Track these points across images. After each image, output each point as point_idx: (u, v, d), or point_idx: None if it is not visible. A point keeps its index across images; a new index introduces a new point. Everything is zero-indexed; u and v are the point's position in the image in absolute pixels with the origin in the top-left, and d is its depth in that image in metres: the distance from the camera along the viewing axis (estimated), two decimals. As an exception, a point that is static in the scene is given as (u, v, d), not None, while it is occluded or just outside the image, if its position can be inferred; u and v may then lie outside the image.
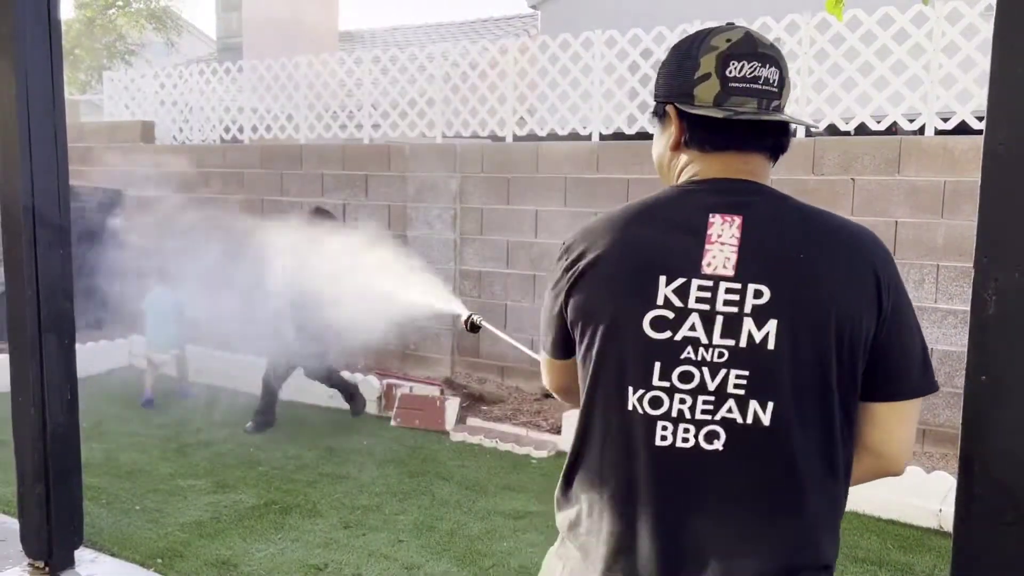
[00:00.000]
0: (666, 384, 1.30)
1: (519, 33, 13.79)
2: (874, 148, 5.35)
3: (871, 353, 1.30)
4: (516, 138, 6.97)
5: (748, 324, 1.27)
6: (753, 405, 1.27)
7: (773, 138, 1.40)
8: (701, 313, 1.29)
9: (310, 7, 13.27)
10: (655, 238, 1.33)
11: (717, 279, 1.29)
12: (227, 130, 8.72)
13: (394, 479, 4.81)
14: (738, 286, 1.28)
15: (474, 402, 6.32)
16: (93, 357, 7.11)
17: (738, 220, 1.31)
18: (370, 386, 6.24)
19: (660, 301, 1.30)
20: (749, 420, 1.28)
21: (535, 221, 6.57)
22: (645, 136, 6.44)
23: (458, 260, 6.98)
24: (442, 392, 6.16)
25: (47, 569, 3.56)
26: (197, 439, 5.52)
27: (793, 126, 1.44)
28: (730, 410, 1.28)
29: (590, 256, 1.35)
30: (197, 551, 3.83)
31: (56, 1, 3.40)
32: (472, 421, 5.88)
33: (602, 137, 6.51)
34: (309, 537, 4.02)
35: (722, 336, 1.28)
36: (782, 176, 5.58)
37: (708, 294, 1.29)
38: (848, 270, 1.29)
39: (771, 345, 1.27)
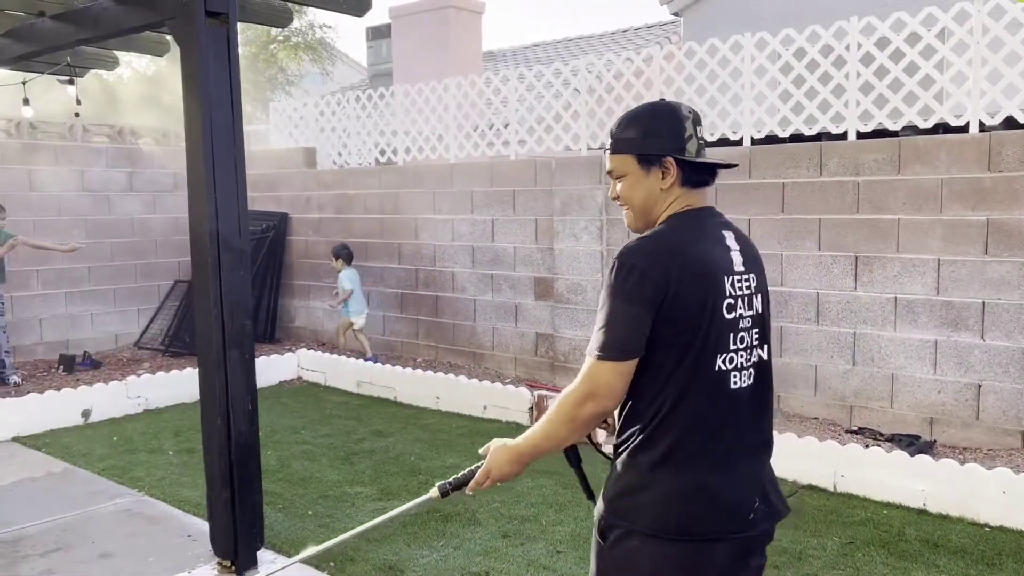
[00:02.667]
0: (735, 347, 1.91)
1: (660, 41, 13.65)
2: (1060, 140, 4.92)
3: None
4: (663, 147, 6.89)
5: (754, 299, 1.98)
6: (761, 350, 1.98)
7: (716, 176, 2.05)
8: (740, 297, 1.93)
9: (455, 31, 13.69)
10: (711, 251, 1.92)
11: (740, 273, 1.95)
12: (382, 153, 9.12)
13: (549, 490, 4.85)
14: (747, 276, 1.96)
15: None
16: (266, 370, 7.59)
17: (732, 234, 2.00)
18: (521, 397, 6.34)
19: (727, 292, 1.90)
20: (761, 359, 1.98)
21: (685, 230, 6.46)
22: (800, 139, 6.22)
23: (605, 272, 6.97)
24: (593, 404, 6.15)
25: (233, 568, 3.83)
26: (361, 448, 5.79)
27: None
28: (756, 356, 1.96)
29: (685, 269, 1.84)
30: (366, 556, 4.00)
31: (235, 43, 3.69)
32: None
33: (754, 142, 6.34)
34: (470, 545, 4.13)
35: (747, 309, 1.94)
36: (953, 175, 5.25)
37: (739, 283, 1.93)
38: (761, 262, 2.07)
39: (760, 310, 2.00)
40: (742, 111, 6.36)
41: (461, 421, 6.42)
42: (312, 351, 8.27)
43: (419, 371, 7.20)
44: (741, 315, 1.92)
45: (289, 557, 4.01)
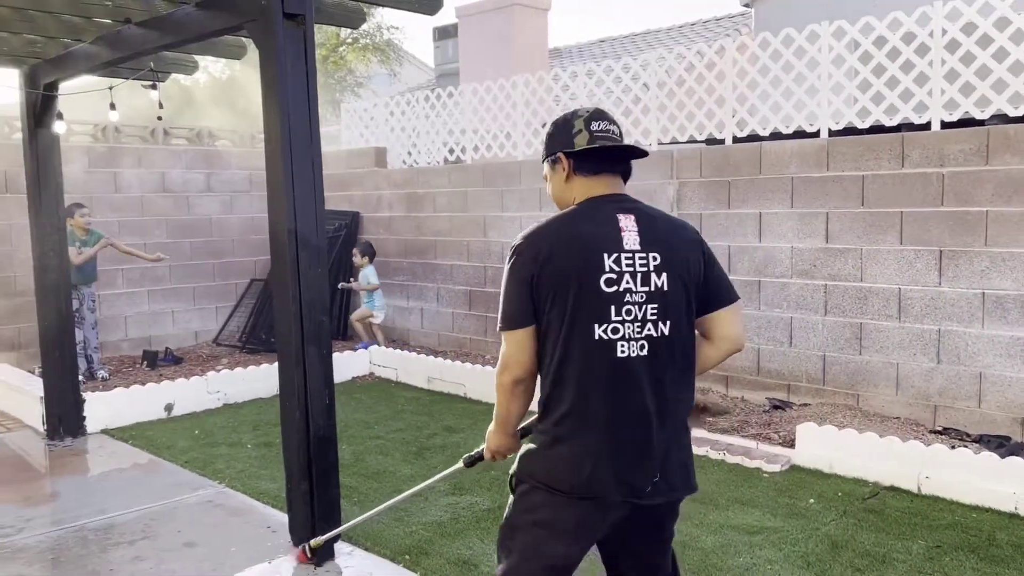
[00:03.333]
0: (619, 319, 2.09)
1: (730, 33, 13.41)
2: None
3: (705, 284, 2.24)
4: (736, 140, 6.77)
5: (653, 277, 2.14)
6: (660, 325, 2.14)
7: (624, 165, 2.29)
8: (630, 273, 2.11)
9: (521, 28, 13.69)
10: (592, 231, 2.13)
11: (633, 252, 2.13)
12: (451, 151, 9.19)
13: (622, 488, 4.81)
14: (644, 254, 2.13)
15: (697, 413, 6.19)
16: (339, 366, 7.70)
17: (632, 216, 2.18)
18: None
19: (607, 268, 2.09)
20: (657, 334, 2.13)
21: (759, 225, 6.34)
22: (880, 130, 6.03)
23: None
24: (665, 402, 6.08)
25: (312, 558, 3.90)
26: (433, 443, 5.84)
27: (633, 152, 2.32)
28: (649, 329, 2.12)
29: (553, 247, 2.10)
30: (440, 549, 4.04)
31: (312, 47, 3.76)
32: (696, 433, 5.75)
33: (832, 133, 6.16)
34: (543, 542, 4.11)
35: (641, 285, 2.12)
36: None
37: (630, 260, 2.12)
38: (687, 242, 2.24)
39: (665, 288, 2.14)
40: (819, 102, 6.20)
41: (529, 416, 6.40)
42: (383, 348, 8.38)
43: (488, 367, 7.23)
44: (629, 289, 2.10)
45: (366, 551, 4.08)
